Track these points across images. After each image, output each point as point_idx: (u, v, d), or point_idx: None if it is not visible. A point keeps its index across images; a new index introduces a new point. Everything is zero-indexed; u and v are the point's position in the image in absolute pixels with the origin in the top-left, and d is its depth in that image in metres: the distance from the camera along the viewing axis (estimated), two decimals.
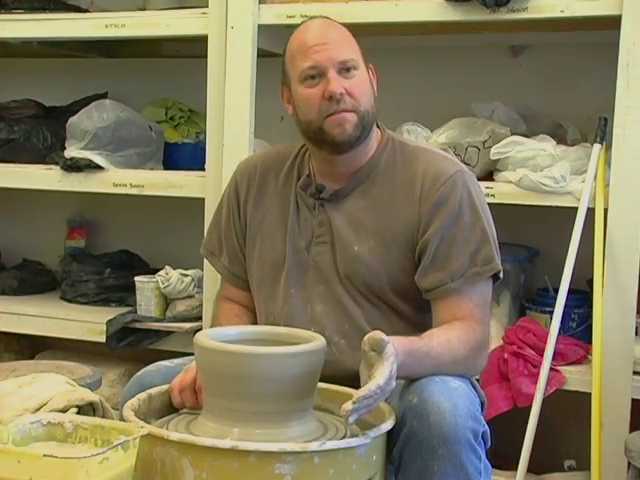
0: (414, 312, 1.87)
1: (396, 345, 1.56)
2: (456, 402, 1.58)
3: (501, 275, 1.86)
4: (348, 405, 1.47)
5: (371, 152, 1.91)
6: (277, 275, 1.93)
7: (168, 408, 1.76)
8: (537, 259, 2.97)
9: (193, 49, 3.09)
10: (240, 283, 2.03)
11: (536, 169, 2.58)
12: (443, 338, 1.70)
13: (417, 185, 1.85)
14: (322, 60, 1.82)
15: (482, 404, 1.83)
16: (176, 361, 1.95)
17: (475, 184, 1.89)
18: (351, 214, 1.89)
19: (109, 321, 2.95)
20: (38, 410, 1.62)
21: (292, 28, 2.78)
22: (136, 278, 3.01)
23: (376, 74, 1.93)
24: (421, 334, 1.72)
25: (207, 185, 2.86)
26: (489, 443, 1.69)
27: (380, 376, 1.49)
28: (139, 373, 1.89)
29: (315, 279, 1.90)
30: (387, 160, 1.91)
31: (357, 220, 1.88)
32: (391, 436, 1.62)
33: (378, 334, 1.54)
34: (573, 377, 2.55)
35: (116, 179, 3.03)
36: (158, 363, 1.93)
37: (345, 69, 1.83)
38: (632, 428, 2.36)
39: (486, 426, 1.67)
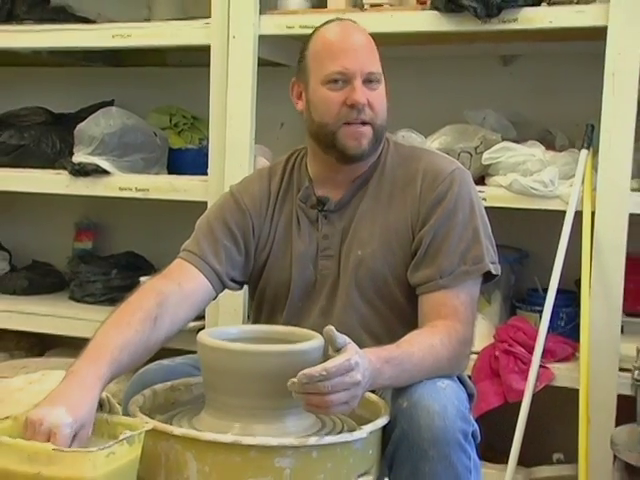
0: (416, 312, 1.80)
1: (371, 355, 1.53)
2: (445, 404, 1.54)
3: (497, 272, 1.81)
4: (292, 380, 1.45)
5: (374, 157, 1.87)
6: (286, 294, 1.87)
7: (172, 404, 1.76)
8: (527, 260, 2.97)
9: (196, 58, 3.09)
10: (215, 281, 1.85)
11: (526, 174, 2.58)
12: (425, 344, 1.64)
13: (417, 184, 1.81)
14: (351, 68, 1.76)
15: (471, 396, 1.81)
16: (177, 359, 1.92)
17: (471, 182, 1.85)
18: (355, 220, 1.84)
19: None
20: None
21: (291, 38, 2.82)
22: (141, 279, 3.00)
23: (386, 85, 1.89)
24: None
25: (209, 189, 2.87)
26: (479, 439, 1.66)
27: (329, 362, 1.45)
28: (141, 370, 1.85)
29: (319, 293, 1.86)
30: (386, 162, 1.87)
31: (361, 224, 1.84)
32: (385, 435, 1.60)
33: (333, 332, 1.49)
34: (561, 374, 2.55)
35: (122, 183, 3.04)
36: (159, 362, 1.89)
37: (369, 81, 1.78)
38: (618, 423, 2.36)
39: (475, 425, 1.64)
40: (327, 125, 1.80)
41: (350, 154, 1.80)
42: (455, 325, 1.71)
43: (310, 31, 1.88)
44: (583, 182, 2.51)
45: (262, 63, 2.84)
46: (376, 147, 1.83)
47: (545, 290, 2.55)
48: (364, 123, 1.78)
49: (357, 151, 1.80)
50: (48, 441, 1.36)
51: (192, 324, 2.84)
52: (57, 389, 1.46)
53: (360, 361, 1.48)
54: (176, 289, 1.76)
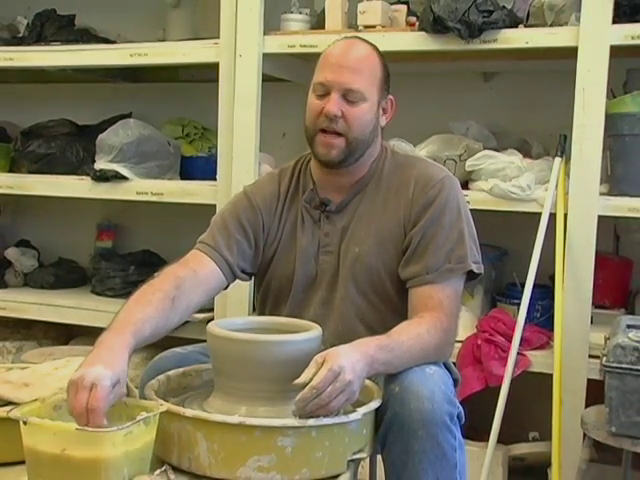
0: (407, 305, 1.79)
1: (364, 345, 1.54)
2: (433, 389, 1.54)
3: (480, 271, 1.80)
4: (293, 408, 1.46)
5: (370, 163, 1.86)
6: (290, 287, 1.87)
7: (184, 388, 1.76)
8: (506, 258, 2.97)
9: (206, 75, 3.09)
10: (226, 270, 1.83)
11: (505, 179, 2.58)
12: (414, 333, 1.64)
13: (410, 188, 1.80)
14: (331, 80, 1.75)
15: (456, 381, 1.81)
16: (189, 348, 1.91)
17: (458, 188, 1.84)
18: (353, 220, 1.84)
19: None
20: None
21: (292, 56, 2.82)
22: (156, 274, 3.00)
23: (394, 105, 1.86)
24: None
25: (218, 193, 2.87)
26: (463, 420, 1.65)
27: (315, 379, 1.45)
28: (156, 358, 1.86)
29: (319, 285, 1.85)
30: (383, 168, 1.86)
31: (358, 224, 1.83)
32: (377, 417, 1.60)
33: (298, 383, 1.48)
34: (537, 360, 2.55)
35: (139, 188, 3.04)
36: (172, 349, 1.89)
37: (349, 95, 1.76)
38: (587, 404, 2.36)
39: (460, 407, 1.63)
40: (308, 129, 1.81)
41: (321, 160, 1.81)
42: (440, 316, 1.71)
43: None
44: (557, 187, 2.51)
45: (266, 79, 2.83)
46: (354, 156, 1.80)
47: (522, 285, 2.55)
48: (339, 134, 1.77)
49: (326, 158, 1.79)
50: (90, 395, 1.36)
51: (202, 315, 2.86)
52: (90, 356, 1.46)
53: (344, 363, 1.47)
54: (192, 275, 1.76)
